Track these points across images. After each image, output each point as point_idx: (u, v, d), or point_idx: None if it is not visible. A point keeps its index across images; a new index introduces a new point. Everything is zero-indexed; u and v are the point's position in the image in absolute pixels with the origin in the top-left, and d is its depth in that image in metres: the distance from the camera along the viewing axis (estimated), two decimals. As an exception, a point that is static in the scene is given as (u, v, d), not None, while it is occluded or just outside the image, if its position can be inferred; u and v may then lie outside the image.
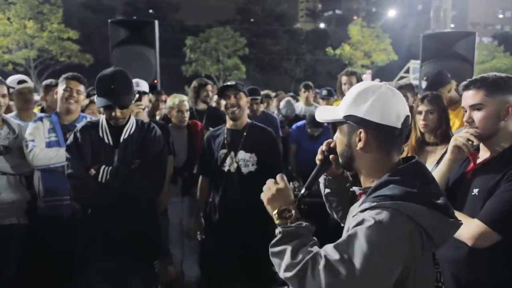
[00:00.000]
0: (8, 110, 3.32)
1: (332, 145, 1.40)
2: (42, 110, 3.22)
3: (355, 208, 1.27)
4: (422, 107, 2.59)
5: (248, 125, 2.96)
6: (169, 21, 32.92)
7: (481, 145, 1.80)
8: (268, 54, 34.98)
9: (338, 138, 1.33)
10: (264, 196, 1.35)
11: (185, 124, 3.65)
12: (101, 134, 2.49)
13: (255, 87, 4.81)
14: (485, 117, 1.71)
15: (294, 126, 4.71)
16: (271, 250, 1.20)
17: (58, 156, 2.77)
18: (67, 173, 2.44)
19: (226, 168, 2.88)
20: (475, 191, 1.69)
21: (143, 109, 3.40)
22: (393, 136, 1.24)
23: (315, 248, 1.15)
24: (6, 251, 2.89)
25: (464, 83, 1.78)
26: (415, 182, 1.18)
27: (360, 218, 1.14)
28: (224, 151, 2.91)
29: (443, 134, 2.49)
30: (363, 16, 36.40)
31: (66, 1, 22.49)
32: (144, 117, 3.45)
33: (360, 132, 1.23)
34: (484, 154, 1.78)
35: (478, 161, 1.77)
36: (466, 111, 1.77)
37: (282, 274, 1.15)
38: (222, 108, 3.03)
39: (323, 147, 1.43)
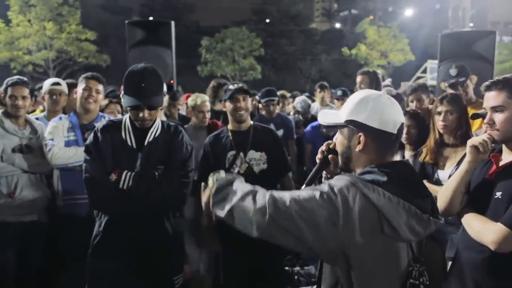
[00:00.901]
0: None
1: (331, 146, 1.54)
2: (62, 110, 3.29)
3: None
4: (441, 108, 2.55)
5: (252, 126, 2.99)
6: (185, 22, 33.13)
7: (504, 148, 1.76)
8: (284, 55, 34.90)
9: (339, 140, 1.46)
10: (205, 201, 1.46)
11: (205, 125, 3.66)
12: (123, 135, 2.30)
13: (272, 88, 4.81)
14: (507, 119, 1.67)
15: (309, 127, 4.69)
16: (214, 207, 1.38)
17: (76, 155, 2.80)
18: (84, 177, 2.26)
19: (236, 170, 2.87)
20: (498, 194, 1.66)
21: (161, 109, 3.43)
22: (389, 141, 1.36)
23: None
24: (27, 248, 2.95)
25: (486, 83, 1.74)
26: (389, 174, 1.29)
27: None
28: (233, 152, 2.90)
29: (463, 135, 2.44)
30: (380, 16, 36.05)
31: (84, 3, 22.85)
32: (161, 118, 3.49)
33: (360, 136, 1.36)
34: (507, 156, 1.74)
35: (501, 163, 1.73)
36: (487, 113, 1.74)
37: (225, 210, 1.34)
38: (225, 109, 2.99)
39: (323, 147, 1.56)
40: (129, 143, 2.29)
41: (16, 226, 2.86)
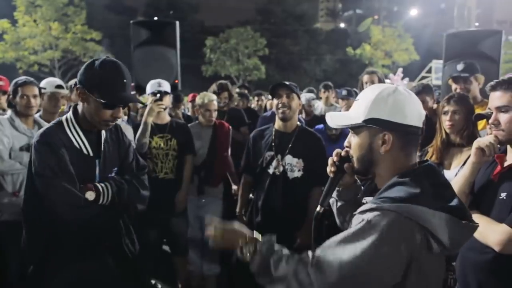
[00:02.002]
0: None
1: (343, 154, 1.36)
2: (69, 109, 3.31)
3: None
4: (448, 107, 2.53)
5: (298, 129, 2.91)
6: (189, 22, 33.18)
7: (509, 148, 1.75)
8: (288, 54, 34.86)
9: (356, 143, 1.30)
10: (217, 239, 1.44)
11: (211, 124, 3.67)
12: (75, 142, 1.94)
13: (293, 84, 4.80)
14: None
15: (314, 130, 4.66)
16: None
17: None
18: (55, 201, 1.86)
19: (271, 171, 2.85)
20: (503, 195, 1.65)
21: (164, 109, 3.44)
22: (417, 136, 1.25)
23: (292, 262, 1.21)
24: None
25: (491, 83, 1.73)
26: (422, 184, 1.17)
27: (359, 219, 1.16)
28: (271, 153, 2.87)
29: (469, 136, 2.43)
30: (384, 16, 35.93)
31: (89, 3, 22.96)
32: (166, 117, 3.50)
33: (385, 135, 1.23)
34: (512, 157, 1.73)
35: (506, 164, 1.72)
36: (492, 113, 1.73)
37: None
38: (273, 108, 3.01)
39: (333, 158, 1.38)
40: (84, 151, 1.96)
41: (20, 225, 2.87)
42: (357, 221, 1.17)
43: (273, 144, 2.88)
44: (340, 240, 1.16)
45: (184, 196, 3.44)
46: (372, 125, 1.24)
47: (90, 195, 1.92)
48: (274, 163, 2.85)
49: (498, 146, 1.73)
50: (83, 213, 1.90)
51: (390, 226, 1.11)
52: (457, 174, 2.32)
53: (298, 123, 2.97)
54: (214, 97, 3.70)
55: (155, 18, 20.14)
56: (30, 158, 1.94)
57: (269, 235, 1.33)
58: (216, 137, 3.63)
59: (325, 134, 4.37)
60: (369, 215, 1.15)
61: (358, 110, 1.28)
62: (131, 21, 5.43)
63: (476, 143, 1.75)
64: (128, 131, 3.16)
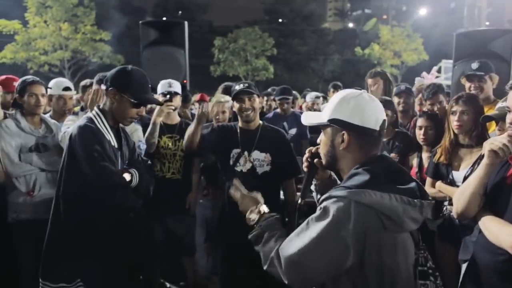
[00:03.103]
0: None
1: (313, 150, 1.54)
2: (82, 109, 3.34)
3: None
4: (456, 108, 2.52)
5: (261, 126, 2.96)
6: (198, 22, 33.30)
7: (522, 149, 1.72)
8: (296, 54, 34.81)
9: (322, 140, 1.47)
10: (237, 200, 1.68)
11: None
12: (107, 136, 2.29)
13: (287, 87, 4.79)
14: None
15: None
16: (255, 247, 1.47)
17: None
18: (103, 181, 2.21)
19: (239, 168, 2.85)
20: (517, 197, 1.62)
21: (174, 110, 3.45)
22: (372, 137, 1.39)
23: (277, 243, 1.38)
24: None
25: None
26: (373, 171, 1.32)
27: (317, 209, 1.33)
28: (238, 150, 2.88)
29: (478, 136, 2.41)
30: (393, 15, 35.69)
31: (99, 4, 23.13)
32: (175, 118, 3.51)
33: (343, 134, 1.38)
34: (526, 159, 1.70)
35: (520, 165, 1.70)
36: (510, 111, 1.71)
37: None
38: (235, 110, 2.99)
39: (306, 154, 1.56)
40: (112, 142, 2.31)
41: (35, 224, 2.91)
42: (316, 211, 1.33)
43: (239, 140, 2.89)
44: (298, 231, 1.33)
45: (195, 197, 3.45)
46: (334, 124, 1.40)
47: (127, 177, 2.28)
48: (241, 160, 2.86)
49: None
50: (123, 193, 2.28)
51: (340, 211, 1.26)
52: (466, 175, 2.31)
53: (260, 121, 2.99)
54: (227, 98, 3.66)
55: (164, 19, 20.27)
56: (67, 150, 2.24)
57: (274, 214, 1.54)
58: None
59: None
60: (323, 204, 1.31)
61: (326, 111, 1.43)
62: (140, 22, 5.44)
63: (489, 146, 1.72)
64: (138, 130, 3.18)
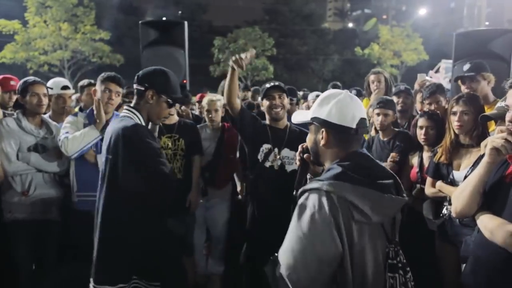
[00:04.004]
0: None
1: (304, 146, 1.64)
2: (80, 110, 3.34)
3: None
4: (457, 108, 2.51)
5: (289, 126, 3.00)
6: (197, 22, 33.28)
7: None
8: (296, 54, 34.79)
9: (308, 137, 1.58)
10: None
11: (216, 124, 3.65)
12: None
13: (292, 88, 4.80)
14: None
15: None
16: None
17: (85, 137, 2.87)
18: (162, 177, 2.27)
19: (268, 164, 2.89)
20: (516, 195, 1.62)
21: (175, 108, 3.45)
22: (349, 134, 1.45)
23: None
24: (43, 246, 3.00)
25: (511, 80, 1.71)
26: (346, 165, 1.39)
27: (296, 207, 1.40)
28: (268, 146, 2.90)
29: (479, 136, 2.40)
30: (393, 15, 35.71)
31: (99, 4, 23.11)
32: (174, 117, 3.50)
33: (322, 131, 1.47)
34: (525, 157, 1.70)
35: (519, 164, 1.70)
36: (509, 110, 1.70)
37: None
38: (262, 108, 3.02)
39: (298, 150, 1.67)
40: (156, 140, 2.41)
41: (30, 224, 2.91)
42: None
43: (270, 136, 2.92)
44: (287, 237, 1.39)
45: (196, 197, 3.45)
46: (315, 122, 1.50)
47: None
48: (271, 156, 2.88)
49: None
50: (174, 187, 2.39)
51: (315, 203, 1.33)
52: (467, 175, 2.30)
53: (288, 122, 3.01)
54: (218, 97, 3.68)
55: (164, 19, 20.26)
56: (116, 149, 2.21)
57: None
58: (224, 138, 3.63)
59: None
60: (300, 201, 1.39)
61: (311, 110, 1.53)
62: (140, 22, 5.45)
63: (491, 143, 1.72)
64: None
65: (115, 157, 2.24)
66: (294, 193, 1.57)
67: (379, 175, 1.44)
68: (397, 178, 1.50)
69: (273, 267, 1.44)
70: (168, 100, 2.34)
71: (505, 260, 1.61)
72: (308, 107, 5.53)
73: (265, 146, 2.91)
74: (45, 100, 2.99)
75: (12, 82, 3.40)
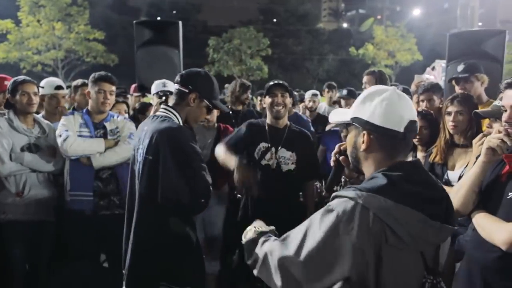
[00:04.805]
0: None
1: (342, 147, 1.46)
2: (74, 110, 3.32)
3: None
4: (451, 108, 2.52)
5: (288, 126, 3.01)
6: (192, 22, 33.22)
7: (516, 148, 1.73)
8: (291, 54, 34.83)
9: (348, 140, 1.36)
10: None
11: (211, 125, 3.62)
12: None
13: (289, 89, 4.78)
14: None
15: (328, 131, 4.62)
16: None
17: (91, 148, 2.89)
18: (204, 181, 2.19)
19: (264, 163, 2.90)
20: (511, 194, 1.64)
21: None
22: (396, 139, 1.25)
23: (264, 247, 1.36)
24: (37, 247, 2.98)
25: (508, 80, 1.72)
26: (392, 177, 1.19)
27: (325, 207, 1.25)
28: (266, 144, 2.92)
29: (473, 136, 2.41)
30: (387, 15, 35.84)
31: (93, 3, 23.01)
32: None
33: (364, 134, 1.27)
34: (520, 157, 1.71)
35: (514, 164, 1.71)
36: (505, 111, 1.71)
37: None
38: (264, 106, 3.04)
39: (335, 149, 1.49)
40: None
41: (24, 225, 2.89)
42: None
43: (267, 136, 2.93)
44: (303, 226, 1.25)
45: None
46: (356, 123, 1.29)
47: None
48: (268, 155, 2.89)
49: (509, 145, 1.72)
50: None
51: (345, 213, 1.16)
52: (461, 175, 2.32)
53: (288, 121, 3.03)
54: None
55: (158, 18, 20.19)
56: (158, 151, 2.13)
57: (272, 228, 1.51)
58: (220, 139, 3.62)
59: (337, 135, 4.29)
60: (331, 203, 1.22)
61: (352, 108, 1.33)
62: (134, 21, 5.42)
63: (487, 143, 1.73)
64: (131, 125, 3.16)
65: (155, 158, 2.15)
66: (324, 193, 1.51)
67: (431, 194, 1.23)
68: (450, 198, 1.30)
69: (257, 242, 1.40)
70: (209, 105, 2.29)
71: (499, 259, 1.62)
72: (306, 107, 5.53)
73: (263, 145, 2.92)
74: (35, 99, 2.96)
75: (6, 82, 3.38)
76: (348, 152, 1.37)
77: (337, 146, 1.50)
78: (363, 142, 1.27)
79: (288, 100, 2.96)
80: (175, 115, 2.23)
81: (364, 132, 1.27)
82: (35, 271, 3.04)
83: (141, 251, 2.21)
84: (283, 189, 2.86)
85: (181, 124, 2.25)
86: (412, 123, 1.25)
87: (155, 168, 2.15)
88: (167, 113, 2.23)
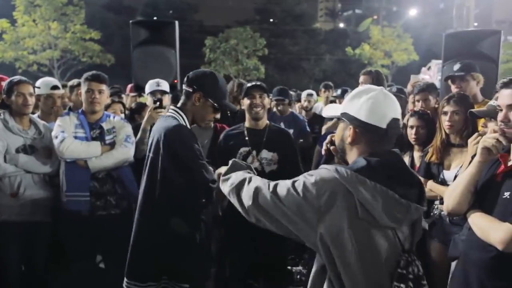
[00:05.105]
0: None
1: (333, 138, 1.59)
2: (70, 110, 3.30)
3: None
4: (447, 108, 2.54)
5: (268, 126, 2.99)
6: (188, 22, 33.16)
7: (512, 147, 1.74)
8: (287, 54, 34.86)
9: (336, 132, 1.51)
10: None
11: (208, 125, 3.62)
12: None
13: (284, 88, 4.77)
14: None
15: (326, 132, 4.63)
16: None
17: (88, 151, 2.87)
18: (205, 179, 2.20)
19: None
20: (507, 194, 1.64)
21: (164, 108, 3.42)
22: (378, 134, 1.36)
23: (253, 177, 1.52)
24: (33, 248, 2.97)
25: (503, 80, 1.72)
26: (371, 161, 1.31)
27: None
28: (246, 149, 2.91)
29: (469, 136, 2.42)
30: (384, 16, 35.95)
31: (89, 3, 22.93)
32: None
33: (350, 128, 1.40)
34: (515, 156, 1.72)
35: (510, 163, 1.72)
36: (501, 110, 1.72)
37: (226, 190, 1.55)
38: (243, 107, 3.03)
39: (327, 139, 1.63)
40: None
41: (20, 226, 2.87)
42: None
43: (247, 139, 2.92)
44: (285, 181, 1.41)
45: None
46: (344, 118, 1.42)
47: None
48: (249, 159, 2.88)
49: (504, 145, 1.73)
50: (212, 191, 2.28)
51: (323, 179, 1.30)
52: (457, 175, 2.33)
53: (267, 121, 3.02)
54: None
55: (155, 18, 20.17)
56: (157, 149, 2.20)
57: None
58: (217, 140, 3.61)
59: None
60: (314, 170, 1.39)
61: (342, 104, 1.47)
62: (131, 21, 5.40)
63: (482, 143, 1.73)
64: (126, 126, 3.14)
65: (155, 157, 2.22)
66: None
67: (404, 178, 1.35)
68: (423, 188, 1.42)
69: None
70: (215, 104, 2.31)
71: (495, 258, 1.63)
72: (302, 107, 5.55)
73: (243, 149, 2.91)
74: (31, 100, 2.93)
75: (2, 83, 3.36)
76: (336, 144, 1.51)
77: (329, 137, 1.64)
78: (349, 135, 1.40)
79: (267, 101, 2.96)
80: (180, 115, 2.28)
81: (351, 126, 1.40)
82: (31, 272, 3.02)
83: (141, 249, 2.25)
84: None
85: (188, 124, 2.29)
86: (395, 120, 1.37)
87: (155, 166, 2.20)
88: (172, 113, 2.29)
